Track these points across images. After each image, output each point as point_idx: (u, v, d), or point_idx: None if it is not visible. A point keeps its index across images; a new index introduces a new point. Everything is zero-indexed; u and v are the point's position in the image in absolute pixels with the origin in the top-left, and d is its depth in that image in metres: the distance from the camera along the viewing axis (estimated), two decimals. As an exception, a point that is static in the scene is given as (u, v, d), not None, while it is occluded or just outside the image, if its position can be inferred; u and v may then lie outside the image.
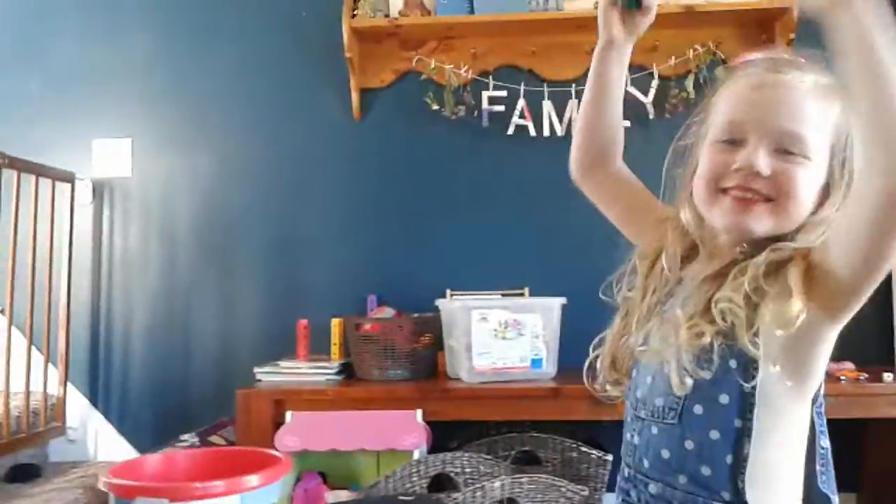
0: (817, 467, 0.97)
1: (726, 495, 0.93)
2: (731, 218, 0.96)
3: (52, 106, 2.94)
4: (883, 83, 0.75)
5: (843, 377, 2.26)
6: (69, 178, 2.80)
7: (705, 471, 0.94)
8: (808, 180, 0.94)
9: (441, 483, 2.12)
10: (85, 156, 2.91)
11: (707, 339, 0.92)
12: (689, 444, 0.95)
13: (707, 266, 1.00)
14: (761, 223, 0.94)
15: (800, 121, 0.94)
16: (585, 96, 1.16)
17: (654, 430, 0.99)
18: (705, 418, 0.94)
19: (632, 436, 1.04)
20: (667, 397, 0.97)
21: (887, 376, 2.25)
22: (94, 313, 2.90)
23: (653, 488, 0.98)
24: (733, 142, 0.96)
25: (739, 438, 0.92)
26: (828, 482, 0.97)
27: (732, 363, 0.93)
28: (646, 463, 1.00)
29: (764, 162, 0.93)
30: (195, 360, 2.87)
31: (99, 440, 2.84)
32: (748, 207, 0.94)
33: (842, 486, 1.02)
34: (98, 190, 2.92)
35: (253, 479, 0.72)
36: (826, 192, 0.96)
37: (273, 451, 0.82)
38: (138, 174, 2.93)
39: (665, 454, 0.97)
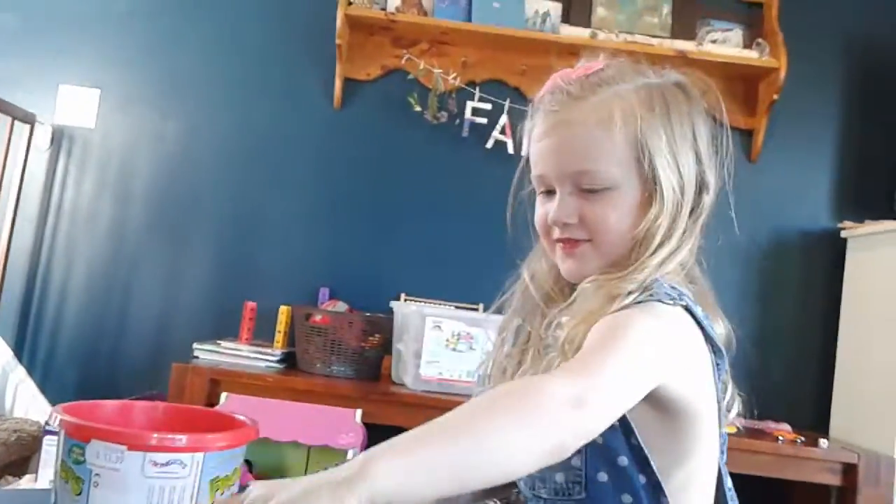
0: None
1: None
2: (563, 266, 0.97)
3: (23, 43, 2.82)
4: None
5: (780, 437, 2.29)
6: (30, 120, 2.69)
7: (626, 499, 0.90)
8: (618, 207, 0.93)
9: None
10: (49, 100, 2.80)
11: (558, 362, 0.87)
12: (601, 476, 0.91)
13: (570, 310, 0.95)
14: (588, 263, 0.95)
15: (588, 158, 0.93)
16: None
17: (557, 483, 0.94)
18: (612, 485, 0.89)
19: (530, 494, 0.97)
20: (567, 471, 0.91)
21: (823, 443, 2.28)
22: (33, 263, 2.78)
23: None
24: (548, 192, 0.98)
25: (655, 493, 0.89)
26: None
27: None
28: None
29: (568, 211, 0.94)
30: (132, 326, 2.76)
31: (17, 395, 2.71)
32: (572, 251, 0.96)
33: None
34: (57, 137, 2.81)
35: (220, 439, 0.67)
36: (648, 203, 0.93)
37: (241, 417, 0.78)
38: (101, 127, 2.82)
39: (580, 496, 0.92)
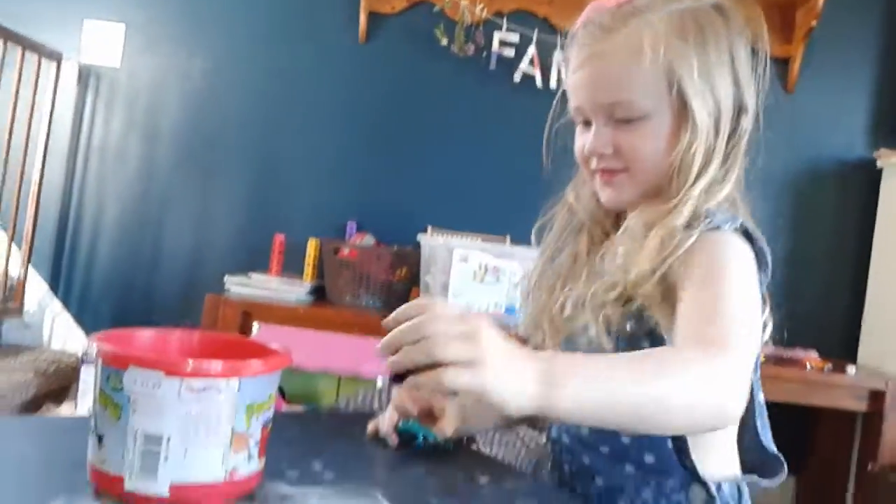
0: (758, 422, 0.96)
1: (676, 472, 0.92)
2: (603, 195, 0.99)
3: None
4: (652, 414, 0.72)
5: (808, 364, 2.29)
6: (56, 57, 2.69)
7: (649, 458, 0.93)
8: (651, 137, 0.94)
9: (400, 415, 2.11)
10: (74, 36, 2.79)
11: (620, 289, 0.88)
12: (625, 438, 0.93)
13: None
14: (626, 191, 0.97)
15: (620, 89, 0.94)
16: None
17: (585, 430, 0.97)
18: None
19: (559, 435, 1.01)
20: None
21: (851, 369, 2.29)
22: (65, 200, 2.82)
23: (600, 481, 0.96)
24: (585, 123, 0.99)
25: None
26: (769, 437, 0.96)
27: (645, 343, 0.90)
28: (586, 460, 0.97)
29: (603, 142, 0.95)
30: (164, 260, 2.81)
31: (55, 328, 2.78)
32: (609, 180, 0.97)
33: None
34: (84, 75, 2.81)
35: (255, 365, 0.68)
36: (680, 130, 0.93)
37: (275, 345, 0.79)
38: (127, 66, 2.82)
39: (604, 450, 0.95)
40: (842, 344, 2.62)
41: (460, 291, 2.37)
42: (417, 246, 2.55)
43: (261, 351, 0.79)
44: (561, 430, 1.00)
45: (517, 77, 2.67)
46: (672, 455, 0.91)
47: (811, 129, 2.69)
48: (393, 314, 0.69)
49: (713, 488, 0.91)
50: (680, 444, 0.91)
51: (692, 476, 0.91)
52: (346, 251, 2.49)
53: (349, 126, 2.80)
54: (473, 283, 2.39)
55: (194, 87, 2.82)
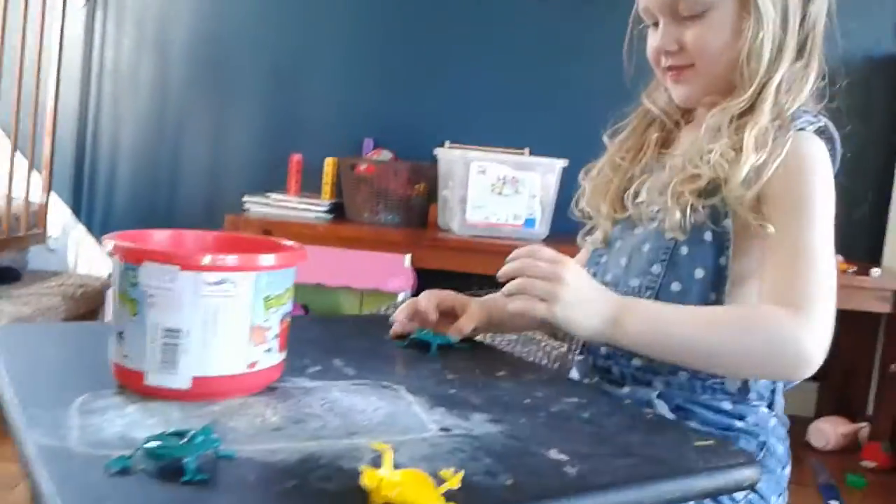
0: None
1: None
2: (675, 93, 1.01)
3: None
4: (702, 353, 0.86)
5: (832, 268, 2.27)
6: (62, -22, 2.65)
7: None
8: (715, 28, 0.95)
9: (422, 327, 2.13)
10: (79, -45, 2.74)
11: (703, 183, 0.91)
12: None
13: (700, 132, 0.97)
14: (696, 87, 0.98)
15: None
16: None
17: None
18: (682, 294, 0.93)
19: None
20: (644, 276, 0.96)
21: (875, 271, 2.27)
22: (82, 124, 2.82)
23: (637, 361, 0.97)
24: (654, 24, 1.00)
25: (715, 300, 0.92)
26: None
27: (708, 236, 0.92)
28: None
29: (668, 39, 0.97)
30: (182, 181, 2.81)
31: (80, 252, 2.82)
32: (678, 78, 0.99)
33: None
34: (92, -7, 2.77)
35: (269, 259, 0.68)
36: (743, 20, 0.93)
37: (288, 241, 0.79)
38: (135, -19, 2.78)
39: None
40: (867, 247, 2.59)
41: (479, 204, 2.36)
42: (435, 161, 2.52)
43: (275, 247, 0.79)
44: None
45: (534, -17, 2.60)
46: None
47: (838, 24, 2.60)
48: (511, 254, 0.87)
49: None
50: None
51: None
52: (363, 167, 2.48)
53: (363, 41, 2.75)
54: (492, 196, 2.38)
55: (203, 1, 2.77)
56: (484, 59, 2.72)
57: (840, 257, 2.35)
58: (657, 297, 0.94)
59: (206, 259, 0.69)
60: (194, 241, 0.82)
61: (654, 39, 1.00)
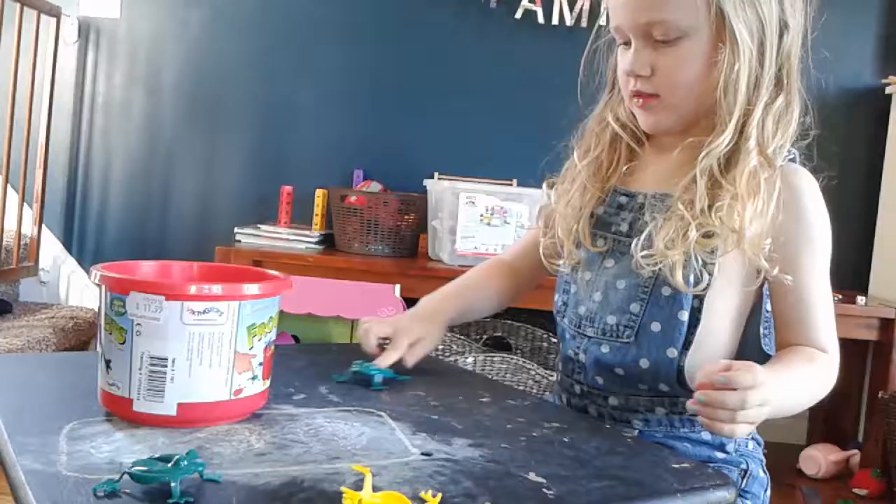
0: (761, 329, 0.98)
1: (688, 395, 0.92)
2: (642, 119, 0.99)
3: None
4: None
5: (817, 296, 2.30)
6: (55, 13, 2.68)
7: (663, 387, 0.95)
8: (690, 58, 0.93)
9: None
10: (73, -8, 2.78)
11: (717, 242, 0.90)
12: (644, 363, 0.94)
13: (669, 163, 0.97)
14: (660, 118, 0.97)
15: (659, 8, 0.92)
16: None
17: (605, 349, 0.97)
18: (662, 336, 0.93)
19: (575, 353, 1.01)
20: (622, 315, 0.95)
21: (861, 299, 2.29)
22: (73, 157, 2.83)
23: (614, 401, 0.98)
24: (626, 44, 0.98)
25: (688, 341, 0.93)
26: (770, 344, 0.98)
27: (691, 278, 0.92)
28: (599, 380, 0.98)
29: (641, 63, 0.95)
30: (173, 214, 2.83)
31: (71, 285, 2.82)
32: (645, 105, 0.97)
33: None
34: (84, 29, 2.80)
35: (253, 288, 0.70)
36: (717, 51, 0.92)
37: (273, 272, 0.80)
38: (127, 17, 2.80)
39: (619, 371, 0.96)
40: (853, 275, 2.62)
41: (468, 234, 2.38)
42: (424, 191, 2.55)
43: (260, 276, 0.80)
44: (579, 350, 1.01)
45: (518, 14, 2.64)
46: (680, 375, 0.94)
47: (819, 58, 2.65)
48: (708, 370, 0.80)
49: None
50: (684, 373, 0.93)
51: None
52: (353, 198, 2.50)
53: (351, 72, 2.79)
54: (481, 226, 2.40)
55: (194, 36, 2.80)
56: (472, 92, 2.75)
57: (826, 285, 2.38)
58: (636, 336, 0.94)
59: (192, 289, 0.71)
60: (181, 271, 0.84)
61: (624, 61, 0.98)
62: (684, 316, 0.92)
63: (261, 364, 0.76)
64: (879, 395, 2.26)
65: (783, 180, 0.91)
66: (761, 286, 0.96)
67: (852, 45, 2.69)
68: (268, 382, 0.78)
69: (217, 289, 0.71)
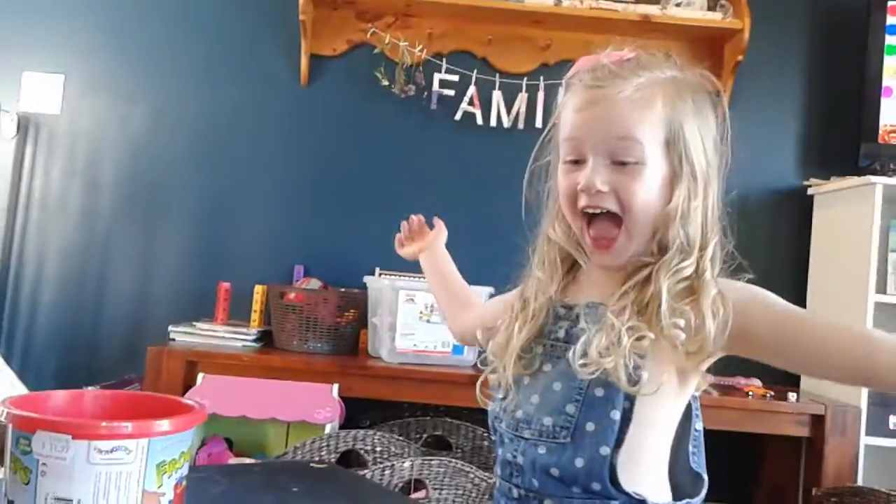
0: (690, 448, 1.01)
1: (620, 498, 0.96)
2: (596, 259, 1.04)
3: (-18, 31, 2.80)
4: None
5: (750, 392, 2.33)
6: (-7, 109, 2.67)
7: (595, 486, 0.95)
8: (646, 185, 0.99)
9: (350, 460, 2.10)
10: (13, 88, 2.78)
11: (647, 343, 0.94)
12: (579, 462, 0.96)
13: (608, 278, 1.03)
14: (622, 255, 1.01)
15: (625, 130, 0.98)
16: (430, 283, 1.59)
17: (542, 450, 0.98)
18: (596, 435, 0.95)
19: (514, 456, 1.02)
20: (558, 416, 0.97)
21: (791, 396, 2.33)
22: (5, 253, 2.77)
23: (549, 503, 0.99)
24: (576, 161, 1.01)
25: (619, 440, 0.95)
26: (699, 462, 1.02)
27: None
28: (536, 483, 0.99)
29: (600, 179, 0.98)
30: (107, 312, 2.77)
31: (-4, 385, 2.72)
32: (608, 248, 1.01)
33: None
34: (23, 124, 2.79)
35: (164, 424, 0.69)
36: (671, 185, 1.00)
37: (188, 400, 0.79)
38: (67, 113, 2.81)
39: (555, 472, 0.97)
40: (783, 372, 2.67)
41: (408, 331, 2.38)
42: (365, 288, 2.55)
43: (175, 408, 0.79)
44: (516, 452, 1.02)
45: (458, 115, 2.71)
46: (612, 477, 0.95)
47: (742, 160, 2.76)
48: None
49: None
50: (616, 473, 0.95)
51: (634, 501, 0.96)
52: (292, 295, 2.49)
53: (293, 170, 2.81)
54: (421, 323, 2.40)
55: (135, 133, 2.81)
56: (414, 190, 2.79)
57: (758, 382, 2.42)
58: (572, 437, 0.96)
59: (100, 427, 0.69)
60: (93, 402, 0.82)
61: (573, 177, 1.01)
62: (616, 415, 0.94)
63: (170, 502, 0.74)
64: (813, 491, 2.28)
65: (729, 289, 0.98)
66: (689, 407, 1.00)
67: (774, 148, 2.81)
68: (179, 519, 0.76)
69: (125, 427, 0.70)
